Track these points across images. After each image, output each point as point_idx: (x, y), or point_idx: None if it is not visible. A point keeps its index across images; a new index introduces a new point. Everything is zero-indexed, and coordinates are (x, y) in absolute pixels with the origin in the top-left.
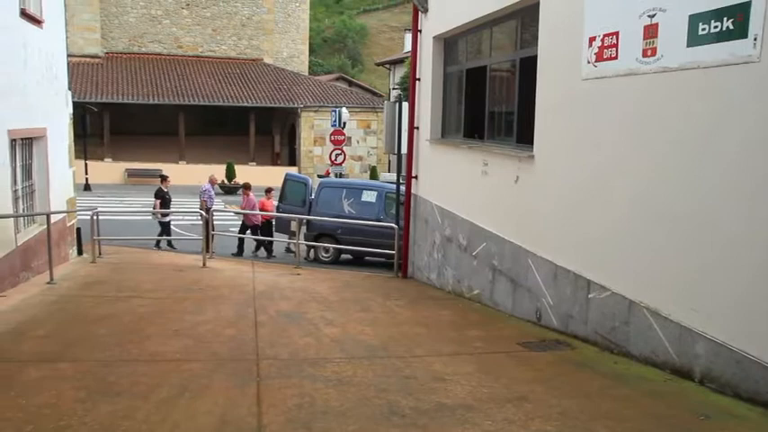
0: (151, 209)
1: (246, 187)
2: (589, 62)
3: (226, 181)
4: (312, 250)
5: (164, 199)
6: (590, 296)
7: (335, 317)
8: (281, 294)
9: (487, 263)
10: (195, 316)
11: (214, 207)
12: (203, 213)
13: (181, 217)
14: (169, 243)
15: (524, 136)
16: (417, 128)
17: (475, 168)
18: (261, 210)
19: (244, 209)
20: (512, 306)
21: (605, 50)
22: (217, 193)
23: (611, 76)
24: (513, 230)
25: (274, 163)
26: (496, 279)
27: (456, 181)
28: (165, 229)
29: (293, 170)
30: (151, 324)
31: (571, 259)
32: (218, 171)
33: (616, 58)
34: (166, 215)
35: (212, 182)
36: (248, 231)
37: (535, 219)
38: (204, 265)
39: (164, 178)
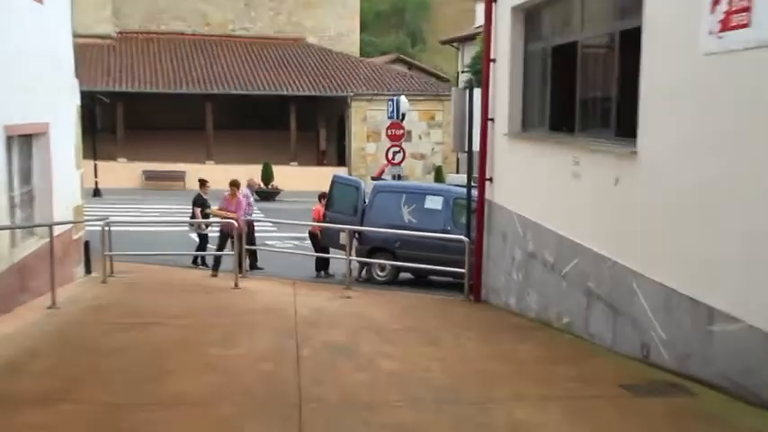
0: (189, 219)
1: (234, 185)
2: (711, 32)
3: (262, 185)
4: (365, 268)
5: (203, 207)
6: (714, 328)
7: (394, 350)
8: (329, 322)
9: (580, 285)
10: (226, 348)
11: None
12: (234, 223)
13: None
14: (203, 259)
15: (625, 128)
16: (492, 120)
17: (563, 168)
18: (317, 220)
19: (224, 211)
20: (611, 339)
21: (733, 16)
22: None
23: (741, 50)
24: (613, 245)
25: (319, 163)
26: (592, 305)
27: (540, 184)
28: (204, 242)
29: (342, 171)
30: (173, 357)
31: (688, 282)
32: (253, 173)
33: (748, 25)
34: (207, 226)
35: (251, 186)
36: (228, 242)
37: (641, 230)
38: (236, 285)
39: (203, 183)
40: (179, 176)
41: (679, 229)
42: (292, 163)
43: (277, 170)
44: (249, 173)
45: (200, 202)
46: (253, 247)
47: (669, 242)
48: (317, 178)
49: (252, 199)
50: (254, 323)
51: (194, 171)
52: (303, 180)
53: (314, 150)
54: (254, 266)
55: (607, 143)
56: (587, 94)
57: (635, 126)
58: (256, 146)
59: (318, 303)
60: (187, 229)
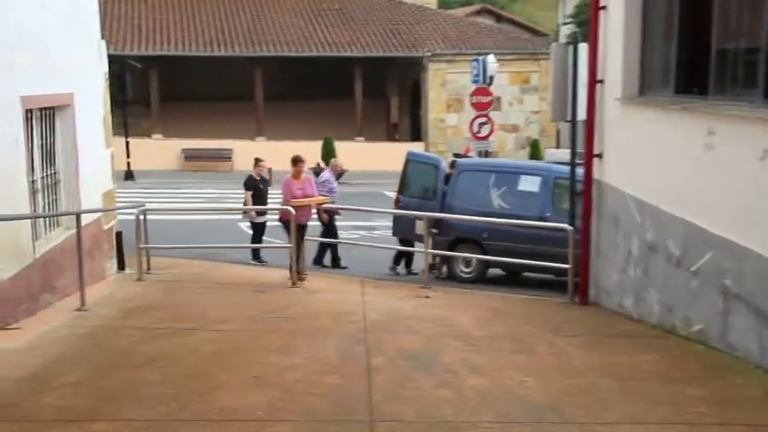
0: (242, 205)
1: (299, 161)
2: None
3: (322, 164)
4: (447, 263)
5: (257, 190)
6: None
7: (483, 361)
8: (404, 327)
9: (716, 284)
10: (283, 356)
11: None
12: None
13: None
14: (256, 254)
15: None
16: (602, 81)
17: (693, 140)
18: (292, 197)
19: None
20: (758, 352)
21: None
22: None
23: None
24: (759, 234)
25: (390, 137)
26: (731, 309)
27: (663, 160)
28: (259, 233)
29: (417, 147)
30: (221, 368)
31: None
32: (312, 150)
33: None
34: (262, 213)
35: (335, 169)
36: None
37: None
38: (294, 284)
39: (257, 161)
40: (225, 156)
41: None
42: (358, 138)
43: (341, 146)
44: (306, 150)
45: (251, 184)
46: (334, 241)
47: None
48: (388, 156)
49: (335, 185)
50: (316, 327)
51: (243, 149)
52: (371, 158)
53: (383, 123)
54: (336, 264)
55: (753, 108)
56: (726, 43)
57: None
58: (315, 119)
59: (391, 305)
60: (238, 217)
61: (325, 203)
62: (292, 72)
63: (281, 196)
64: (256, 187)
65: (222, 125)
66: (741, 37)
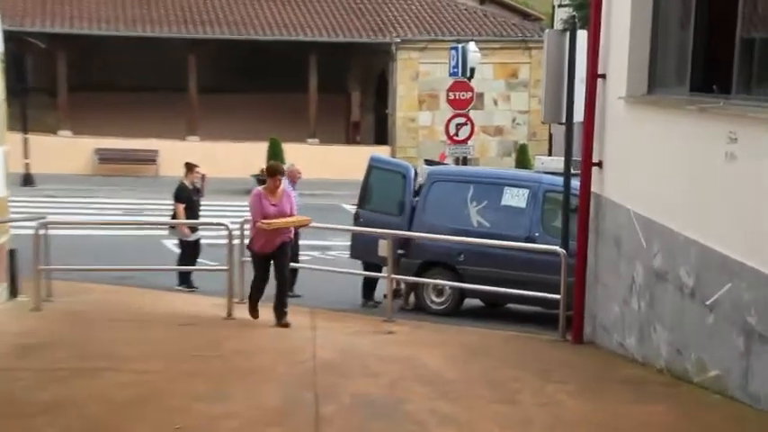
0: (171, 218)
1: (276, 172)
2: None
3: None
4: (414, 291)
5: (190, 202)
6: None
7: (455, 410)
8: (362, 368)
9: (736, 320)
10: (213, 404)
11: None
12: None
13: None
14: (185, 278)
15: None
16: (603, 76)
17: (711, 147)
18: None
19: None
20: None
21: None
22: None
23: None
24: None
25: (351, 140)
26: (755, 351)
27: (675, 171)
28: (191, 253)
29: (383, 152)
30: (136, 418)
31: None
32: (256, 152)
33: None
34: (195, 230)
35: (292, 176)
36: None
37: None
38: (229, 315)
39: (191, 167)
40: (149, 158)
41: None
42: (311, 140)
43: (290, 150)
44: (250, 153)
45: (184, 195)
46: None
47: None
48: (347, 161)
49: (293, 192)
50: (255, 368)
51: (171, 150)
52: (327, 164)
53: (342, 122)
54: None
55: None
56: (754, 32)
57: None
58: (260, 116)
59: (347, 341)
60: (163, 233)
61: (305, 224)
62: (233, 59)
63: (249, 214)
64: (190, 198)
65: (146, 121)
66: None
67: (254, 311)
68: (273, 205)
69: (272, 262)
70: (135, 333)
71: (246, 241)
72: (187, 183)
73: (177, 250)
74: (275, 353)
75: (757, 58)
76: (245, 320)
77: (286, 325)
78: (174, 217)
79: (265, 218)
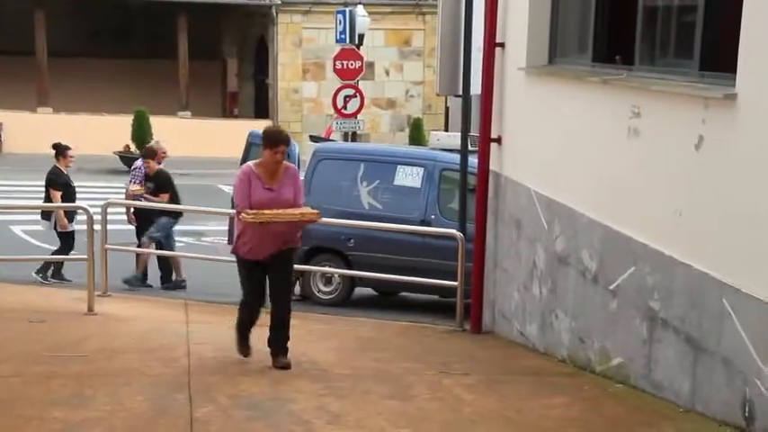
0: (42, 204)
1: (149, 155)
2: None
3: (132, 147)
4: (300, 280)
5: (67, 189)
6: None
7: (345, 407)
8: (243, 366)
9: (639, 305)
10: (72, 410)
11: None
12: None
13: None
14: (57, 270)
15: (715, 57)
16: (502, 45)
17: (615, 122)
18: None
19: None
20: (690, 391)
21: None
22: (118, 171)
23: None
24: (691, 243)
25: (228, 113)
26: (658, 337)
27: (577, 147)
28: (68, 244)
29: (263, 126)
30: None
31: None
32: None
33: None
34: (71, 218)
35: (156, 155)
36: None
37: (737, 220)
38: (90, 309)
39: (61, 150)
40: None
41: None
42: (182, 113)
43: (158, 123)
44: (113, 128)
45: (60, 180)
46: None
47: None
48: (224, 137)
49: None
50: (121, 369)
51: (18, 123)
52: (201, 140)
53: (217, 93)
54: (175, 283)
55: (686, 82)
56: (656, 1)
57: (733, 54)
58: (123, 85)
59: (225, 336)
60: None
61: (312, 221)
62: (91, 19)
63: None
64: (67, 184)
65: None
66: None
67: (242, 345)
68: (268, 189)
69: (266, 275)
70: None
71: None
72: (62, 167)
73: (27, 238)
74: (144, 351)
75: (660, 27)
76: (109, 315)
77: (286, 366)
78: (47, 202)
79: (255, 206)
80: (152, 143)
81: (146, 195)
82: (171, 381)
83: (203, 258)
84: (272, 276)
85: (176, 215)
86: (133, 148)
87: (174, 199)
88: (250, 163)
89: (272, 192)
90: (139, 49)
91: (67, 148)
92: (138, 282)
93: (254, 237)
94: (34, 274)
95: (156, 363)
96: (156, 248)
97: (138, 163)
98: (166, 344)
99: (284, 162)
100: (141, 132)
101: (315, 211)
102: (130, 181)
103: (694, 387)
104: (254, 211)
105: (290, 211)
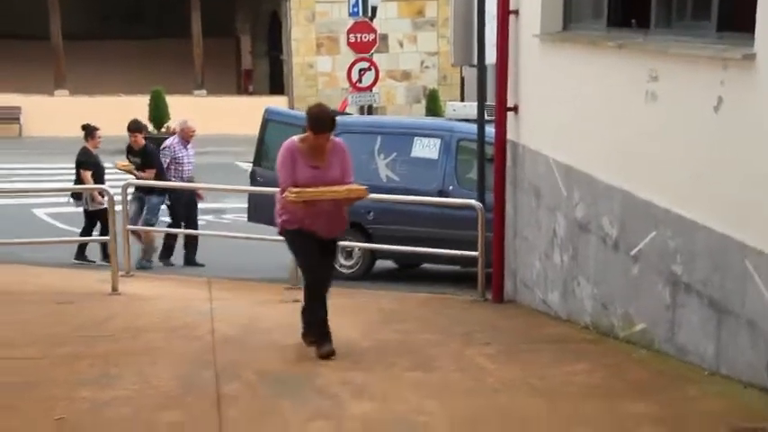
0: (72, 185)
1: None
2: None
3: (151, 127)
4: None
5: (98, 168)
6: None
7: (370, 380)
8: (267, 342)
9: (662, 270)
10: (100, 389)
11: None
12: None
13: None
14: (80, 252)
15: (734, 16)
16: (516, 12)
17: (632, 87)
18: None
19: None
20: (714, 354)
21: None
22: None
23: None
24: (713, 207)
25: (243, 89)
26: (681, 302)
27: (594, 113)
28: (93, 224)
29: (279, 103)
30: (7, 409)
31: None
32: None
33: None
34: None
35: (185, 134)
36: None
37: (758, 183)
38: (114, 289)
39: (90, 131)
40: (10, 116)
41: None
42: (198, 91)
43: (175, 102)
44: (129, 108)
45: (91, 161)
46: (192, 232)
47: None
48: (240, 114)
49: (185, 151)
50: (147, 348)
51: (36, 107)
52: (217, 117)
53: (232, 70)
54: (191, 261)
55: (704, 44)
56: None
57: (751, 14)
58: (138, 65)
59: (249, 313)
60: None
61: (361, 196)
62: (102, 1)
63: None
64: (97, 164)
65: (4, 74)
66: None
67: (310, 333)
68: (314, 167)
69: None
70: (2, 314)
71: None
72: (90, 147)
73: (50, 221)
74: (168, 330)
75: None
76: (132, 295)
77: (330, 354)
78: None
79: (298, 184)
80: (180, 121)
81: (132, 171)
82: (197, 358)
83: (226, 236)
84: (324, 254)
85: (162, 192)
86: (151, 127)
87: (160, 174)
88: (295, 138)
89: (317, 170)
90: (152, 30)
91: (96, 129)
92: (149, 263)
93: (301, 214)
94: (75, 260)
95: (181, 341)
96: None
97: (168, 141)
98: (190, 322)
99: (331, 138)
100: (158, 112)
101: (362, 186)
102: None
103: (719, 350)
104: (297, 189)
105: (335, 187)
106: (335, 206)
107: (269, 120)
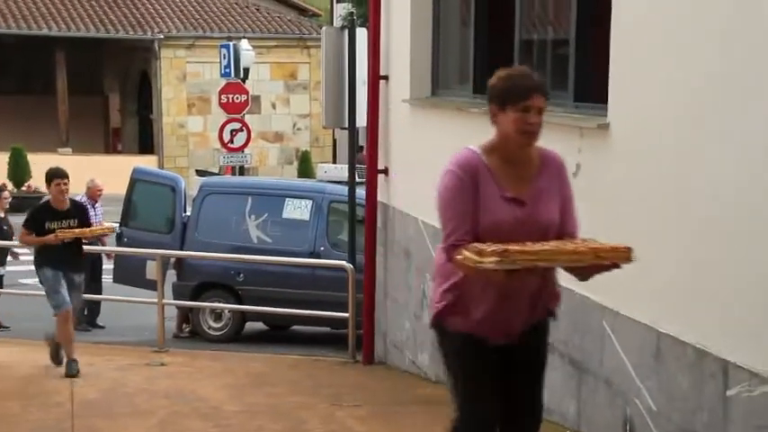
0: None
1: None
2: None
3: (9, 184)
4: (189, 316)
5: (1, 231)
6: (730, 393)
7: None
8: (130, 407)
9: None
10: None
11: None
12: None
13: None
14: None
15: (589, 88)
16: (386, 78)
17: None
18: None
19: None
20: (575, 412)
21: None
22: None
23: None
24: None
25: (111, 148)
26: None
27: None
28: None
29: (148, 162)
30: None
31: (690, 322)
32: None
33: None
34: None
35: (92, 193)
36: None
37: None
38: None
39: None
40: None
41: (677, 240)
42: (63, 149)
43: (37, 161)
44: None
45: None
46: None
47: (658, 263)
48: (107, 174)
49: (94, 211)
50: (1, 416)
51: None
52: (83, 177)
53: (100, 129)
54: (92, 322)
55: (562, 112)
56: (531, 34)
57: (605, 85)
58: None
59: (112, 377)
60: None
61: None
62: None
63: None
64: (0, 228)
65: None
66: (546, 27)
67: None
68: (514, 200)
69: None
70: None
71: None
72: None
73: None
74: (26, 397)
75: (536, 59)
76: None
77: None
78: None
79: (491, 237)
80: (88, 181)
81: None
82: (53, 426)
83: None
84: (519, 369)
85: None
86: (11, 186)
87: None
88: (473, 147)
89: (521, 206)
90: (16, 85)
91: (4, 186)
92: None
93: (487, 298)
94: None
95: (38, 408)
96: None
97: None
98: (49, 388)
99: (539, 147)
100: (19, 170)
101: (625, 245)
102: None
103: (579, 409)
104: (498, 248)
105: (559, 244)
106: (545, 278)
107: (137, 179)
